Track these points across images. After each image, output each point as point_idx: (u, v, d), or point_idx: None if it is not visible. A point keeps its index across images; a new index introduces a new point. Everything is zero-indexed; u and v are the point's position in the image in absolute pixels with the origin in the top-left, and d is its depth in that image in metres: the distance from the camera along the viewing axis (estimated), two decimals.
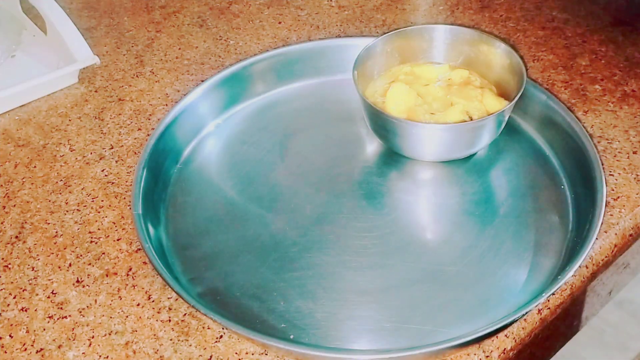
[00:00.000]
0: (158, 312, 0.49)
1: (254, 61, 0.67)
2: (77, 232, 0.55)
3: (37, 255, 0.54)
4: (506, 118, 0.58)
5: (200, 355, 0.46)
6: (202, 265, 0.52)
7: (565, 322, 0.52)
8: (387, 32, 0.63)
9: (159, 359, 0.46)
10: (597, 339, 1.10)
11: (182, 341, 0.47)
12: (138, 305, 0.50)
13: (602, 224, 0.52)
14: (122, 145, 0.62)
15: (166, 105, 0.67)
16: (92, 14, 0.80)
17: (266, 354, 0.46)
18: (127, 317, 0.49)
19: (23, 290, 0.51)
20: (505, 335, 0.47)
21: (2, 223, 0.56)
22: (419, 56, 0.63)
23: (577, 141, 0.57)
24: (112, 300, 0.50)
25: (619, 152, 0.59)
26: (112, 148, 0.62)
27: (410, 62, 0.62)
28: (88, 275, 0.52)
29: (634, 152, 0.59)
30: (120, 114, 0.66)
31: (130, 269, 0.52)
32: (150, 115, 0.66)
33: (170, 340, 0.47)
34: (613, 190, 0.56)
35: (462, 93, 0.59)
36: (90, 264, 0.53)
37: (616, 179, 0.57)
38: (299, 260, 0.53)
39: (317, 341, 0.47)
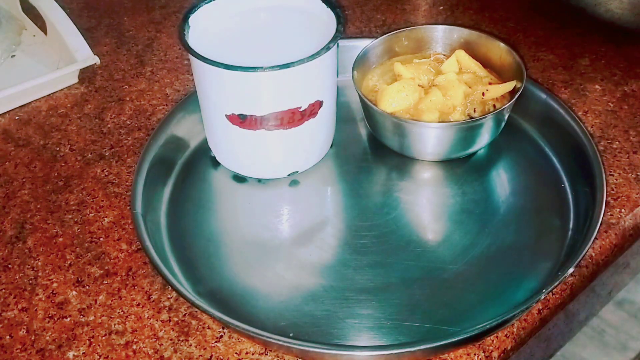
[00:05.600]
0: (158, 312, 0.49)
1: None
2: (77, 232, 0.55)
3: (37, 255, 0.54)
4: (506, 117, 0.58)
5: (201, 355, 0.46)
6: (202, 265, 0.52)
7: None
8: (387, 32, 0.63)
9: (159, 359, 0.46)
10: (597, 339, 1.10)
11: (182, 341, 0.47)
12: (138, 305, 0.50)
13: (602, 223, 0.52)
14: (122, 145, 0.63)
15: (166, 105, 0.67)
16: (92, 14, 0.80)
17: (266, 354, 0.46)
18: (127, 317, 0.49)
19: (23, 290, 0.51)
20: (505, 336, 0.47)
21: (2, 223, 0.56)
22: (419, 56, 0.63)
23: (577, 141, 0.57)
24: (112, 300, 0.50)
25: (619, 152, 0.59)
26: (112, 148, 0.62)
27: (410, 61, 0.62)
28: (88, 275, 0.52)
29: (634, 152, 0.59)
30: (120, 114, 0.66)
31: (130, 269, 0.52)
32: (150, 115, 0.66)
33: (171, 340, 0.47)
34: (613, 190, 0.56)
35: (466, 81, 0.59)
36: (90, 264, 0.53)
37: (616, 179, 0.57)
38: (298, 259, 0.53)
39: (317, 339, 0.47)
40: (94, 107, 0.67)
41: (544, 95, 0.61)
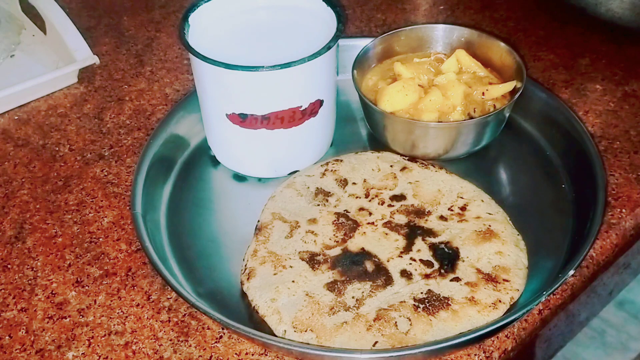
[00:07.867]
0: (157, 313, 0.49)
1: None
2: (76, 232, 0.55)
3: (37, 255, 0.54)
4: (506, 117, 0.58)
5: (200, 356, 0.46)
6: (202, 265, 0.52)
7: None
8: (387, 32, 0.62)
9: None
10: (598, 340, 1.10)
11: (182, 341, 0.47)
12: (137, 305, 0.50)
13: (602, 224, 0.51)
14: (122, 145, 0.62)
15: (166, 105, 0.66)
16: (91, 14, 0.80)
17: (266, 354, 0.46)
18: (126, 317, 0.49)
19: (22, 291, 0.51)
20: (506, 336, 0.47)
21: (1, 223, 0.56)
22: (419, 55, 0.63)
23: (578, 141, 0.57)
24: (111, 301, 0.50)
25: (619, 152, 0.59)
26: (111, 148, 0.62)
27: (410, 61, 0.62)
28: (87, 275, 0.52)
29: (635, 152, 0.59)
30: (119, 114, 0.66)
31: (130, 269, 0.52)
32: (149, 115, 0.65)
33: (170, 340, 0.47)
34: (614, 190, 0.56)
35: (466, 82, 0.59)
36: (89, 264, 0.53)
37: (617, 179, 0.56)
38: None
39: None
40: (93, 107, 0.67)
41: (544, 95, 0.61)
